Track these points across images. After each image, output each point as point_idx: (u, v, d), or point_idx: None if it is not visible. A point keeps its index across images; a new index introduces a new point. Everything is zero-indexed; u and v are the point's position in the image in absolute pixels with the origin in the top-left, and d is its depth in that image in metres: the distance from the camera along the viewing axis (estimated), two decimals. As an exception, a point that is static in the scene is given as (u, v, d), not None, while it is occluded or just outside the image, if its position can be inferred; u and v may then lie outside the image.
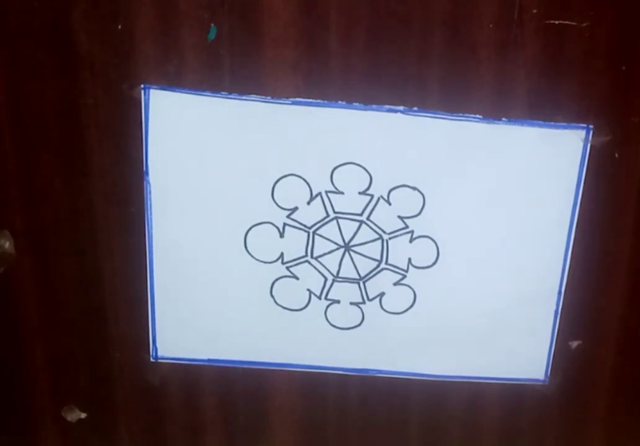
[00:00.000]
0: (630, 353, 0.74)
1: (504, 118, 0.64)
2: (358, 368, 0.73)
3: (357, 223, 0.68)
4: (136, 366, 0.74)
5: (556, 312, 0.71)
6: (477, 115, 0.64)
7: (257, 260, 0.69)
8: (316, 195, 0.67)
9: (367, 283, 0.70)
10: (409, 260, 0.69)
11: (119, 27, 0.61)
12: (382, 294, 0.70)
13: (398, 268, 0.69)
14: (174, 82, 0.63)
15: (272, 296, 0.70)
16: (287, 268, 0.69)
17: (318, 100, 0.63)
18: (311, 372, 0.73)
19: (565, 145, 0.65)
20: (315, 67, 0.62)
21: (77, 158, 0.66)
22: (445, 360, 0.73)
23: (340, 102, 0.64)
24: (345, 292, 0.70)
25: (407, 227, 0.68)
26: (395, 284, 0.70)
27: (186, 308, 0.71)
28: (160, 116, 0.64)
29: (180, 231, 0.68)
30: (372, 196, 0.66)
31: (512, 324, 0.71)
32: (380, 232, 0.68)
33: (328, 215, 0.67)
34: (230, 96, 0.63)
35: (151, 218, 0.67)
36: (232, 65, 0.63)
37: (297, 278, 0.70)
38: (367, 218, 0.67)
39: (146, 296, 0.70)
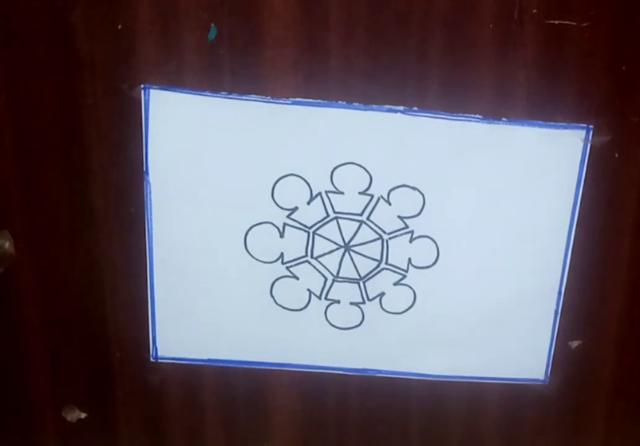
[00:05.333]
0: (630, 353, 0.74)
1: (504, 118, 0.64)
2: (358, 368, 0.73)
3: (357, 223, 0.68)
4: (136, 366, 0.74)
5: (556, 312, 0.71)
6: (477, 115, 0.64)
7: (257, 260, 0.69)
8: (316, 195, 0.67)
9: (367, 283, 0.70)
10: (409, 260, 0.69)
11: (119, 27, 0.61)
12: (382, 294, 0.70)
13: (398, 268, 0.69)
14: (174, 82, 0.63)
15: (272, 296, 0.70)
16: (287, 268, 0.69)
17: (318, 100, 0.63)
18: (311, 372, 0.73)
19: (565, 145, 0.65)
20: (315, 67, 0.62)
21: (77, 158, 0.66)
22: (445, 360, 0.73)
23: (340, 102, 0.64)
24: (345, 292, 0.70)
25: (407, 227, 0.68)
26: (395, 284, 0.70)
27: (186, 308, 0.71)
28: (160, 116, 0.64)
29: (180, 231, 0.68)
30: (372, 196, 0.66)
31: (512, 324, 0.71)
32: (380, 232, 0.68)
33: (328, 215, 0.67)
34: (230, 96, 0.63)
35: (151, 218, 0.67)
36: (232, 65, 0.63)
37: (297, 278, 0.70)
38: (367, 218, 0.67)
39: (146, 296, 0.70)
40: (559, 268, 0.69)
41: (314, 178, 0.66)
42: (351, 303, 0.71)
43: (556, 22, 0.61)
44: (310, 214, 0.67)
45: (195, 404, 0.75)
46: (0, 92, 0.64)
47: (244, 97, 0.63)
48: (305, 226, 0.68)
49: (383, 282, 0.70)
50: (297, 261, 0.69)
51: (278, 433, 0.77)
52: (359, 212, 0.67)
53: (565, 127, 0.64)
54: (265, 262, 0.69)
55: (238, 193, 0.67)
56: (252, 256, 0.69)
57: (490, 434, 0.77)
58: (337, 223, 0.68)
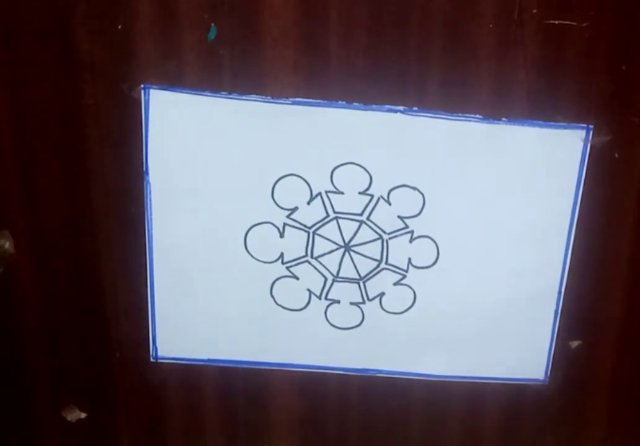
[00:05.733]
0: (630, 353, 0.74)
1: (504, 118, 0.64)
2: (358, 368, 0.73)
3: (357, 223, 0.68)
4: (136, 366, 0.74)
5: (556, 312, 0.71)
6: (477, 115, 0.64)
7: (257, 260, 0.69)
8: (316, 195, 0.67)
9: (367, 283, 0.70)
10: (409, 260, 0.69)
11: (119, 27, 0.61)
12: (382, 294, 0.70)
13: (398, 268, 0.69)
14: (174, 82, 0.63)
15: (272, 296, 0.70)
16: (287, 268, 0.69)
17: (318, 100, 0.63)
18: (311, 372, 0.73)
19: (565, 145, 0.65)
20: (315, 67, 0.62)
21: (77, 158, 0.66)
22: (445, 359, 0.73)
23: (340, 102, 0.64)
24: (345, 292, 0.70)
25: (407, 227, 0.68)
26: (395, 284, 0.70)
27: (186, 308, 0.71)
28: (160, 116, 0.64)
29: (180, 231, 0.68)
30: (372, 196, 0.66)
31: (512, 324, 0.71)
32: (380, 232, 0.68)
33: (328, 215, 0.67)
34: (230, 96, 0.63)
35: (151, 218, 0.67)
36: (232, 65, 0.63)
37: (297, 278, 0.70)
38: (367, 218, 0.67)
39: (146, 296, 0.70)
40: (559, 268, 0.69)
41: (314, 178, 0.66)
42: (351, 303, 0.71)
43: (556, 22, 0.61)
44: (310, 214, 0.67)
45: (195, 404, 0.75)
46: (0, 92, 0.64)
47: (244, 97, 0.63)
48: (305, 226, 0.68)
49: (383, 282, 0.70)
50: (297, 261, 0.69)
51: (278, 433, 0.77)
52: (359, 212, 0.67)
53: (565, 127, 0.64)
54: (265, 262, 0.69)
55: (238, 193, 0.67)
56: (252, 256, 0.69)
57: (490, 434, 0.77)
58: (337, 223, 0.68)
